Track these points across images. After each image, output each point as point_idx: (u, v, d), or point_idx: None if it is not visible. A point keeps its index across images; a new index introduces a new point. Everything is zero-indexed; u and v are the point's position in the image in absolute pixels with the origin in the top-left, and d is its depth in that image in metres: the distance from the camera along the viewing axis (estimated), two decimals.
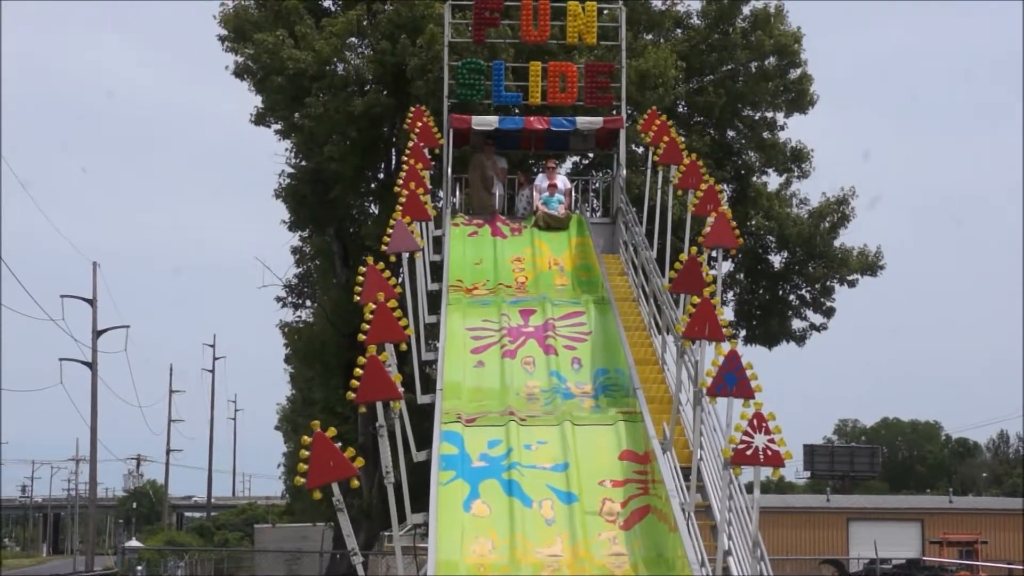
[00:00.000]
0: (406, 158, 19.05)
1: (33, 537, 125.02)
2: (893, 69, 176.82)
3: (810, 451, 77.73)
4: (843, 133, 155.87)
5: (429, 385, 16.59)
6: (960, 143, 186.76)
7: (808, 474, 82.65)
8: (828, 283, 31.20)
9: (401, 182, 17.87)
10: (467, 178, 23.20)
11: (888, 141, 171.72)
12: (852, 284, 31.23)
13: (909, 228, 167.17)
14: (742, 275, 31.43)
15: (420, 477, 13.95)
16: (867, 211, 71.46)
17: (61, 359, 56.55)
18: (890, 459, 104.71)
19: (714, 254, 16.55)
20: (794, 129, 77.20)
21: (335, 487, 11.34)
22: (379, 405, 12.55)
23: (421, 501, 13.52)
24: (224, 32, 28.89)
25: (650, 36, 29.83)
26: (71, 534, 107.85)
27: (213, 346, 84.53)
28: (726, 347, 12.97)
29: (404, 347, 13.90)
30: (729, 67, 30.42)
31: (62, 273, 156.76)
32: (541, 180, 22.36)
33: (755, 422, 11.99)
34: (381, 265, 14.74)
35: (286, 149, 29.86)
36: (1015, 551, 56.70)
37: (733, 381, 12.64)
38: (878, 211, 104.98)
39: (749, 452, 11.91)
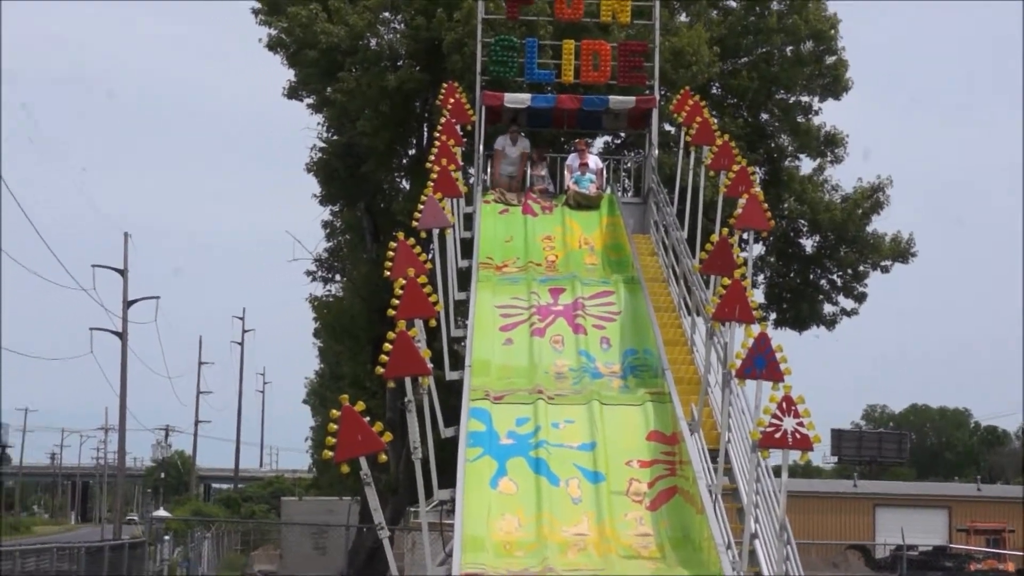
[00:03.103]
0: (438, 134, 19.04)
1: (62, 504, 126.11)
2: (939, 58, 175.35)
3: (838, 436, 77.56)
4: (882, 121, 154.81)
5: (458, 362, 16.60)
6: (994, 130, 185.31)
7: (835, 459, 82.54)
8: (861, 268, 31.04)
9: (433, 158, 17.85)
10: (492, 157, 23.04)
11: (930, 130, 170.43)
12: (886, 270, 31.09)
13: (943, 213, 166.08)
14: (773, 258, 31.29)
15: (447, 453, 13.97)
16: (901, 200, 70.97)
17: (92, 329, 56.51)
18: (918, 445, 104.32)
19: (745, 236, 16.49)
20: (831, 114, 76.97)
21: (363, 461, 11.35)
22: (408, 380, 12.54)
23: (448, 477, 13.54)
24: (258, 5, 28.92)
25: (684, 17, 29.66)
26: (99, 503, 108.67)
27: (242, 319, 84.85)
28: (756, 329, 12.91)
29: (433, 323, 13.90)
30: (764, 50, 30.22)
31: (94, 244, 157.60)
32: (573, 159, 22.28)
33: (784, 405, 11.94)
34: (412, 241, 14.73)
35: (318, 123, 29.86)
36: None
37: (762, 363, 12.59)
38: (911, 196, 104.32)
39: (778, 435, 11.86)
